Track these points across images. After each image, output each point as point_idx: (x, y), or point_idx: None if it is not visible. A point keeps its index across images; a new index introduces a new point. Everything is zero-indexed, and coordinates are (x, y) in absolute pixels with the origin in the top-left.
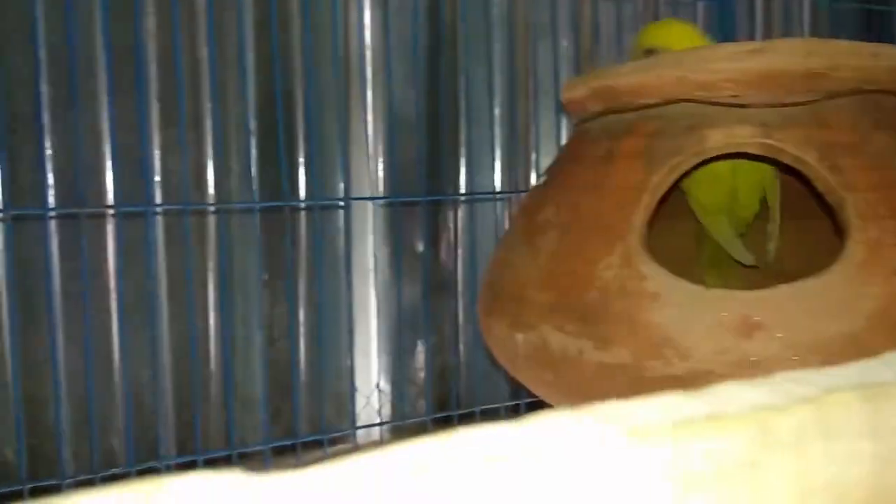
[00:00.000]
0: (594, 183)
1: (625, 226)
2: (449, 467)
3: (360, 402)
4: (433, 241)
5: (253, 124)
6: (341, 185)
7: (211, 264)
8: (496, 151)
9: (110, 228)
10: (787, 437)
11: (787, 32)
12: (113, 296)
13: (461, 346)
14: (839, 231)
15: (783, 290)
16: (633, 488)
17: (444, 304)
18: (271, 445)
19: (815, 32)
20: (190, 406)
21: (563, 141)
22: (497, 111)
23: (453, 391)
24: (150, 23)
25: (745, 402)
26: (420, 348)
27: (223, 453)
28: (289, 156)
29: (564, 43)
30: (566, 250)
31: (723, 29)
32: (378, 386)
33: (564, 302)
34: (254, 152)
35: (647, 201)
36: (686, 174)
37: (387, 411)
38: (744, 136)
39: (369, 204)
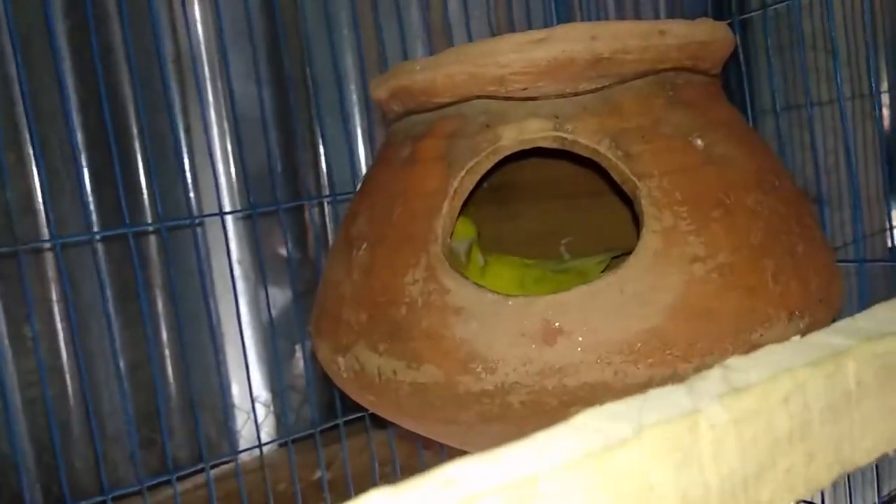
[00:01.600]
0: (399, 190)
1: (428, 235)
2: None
3: (240, 417)
4: (299, 242)
5: (81, 143)
6: (190, 201)
7: (54, 296)
8: (357, 143)
9: None
10: None
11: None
12: None
13: None
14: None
15: (582, 292)
16: None
17: None
18: (147, 484)
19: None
20: (51, 449)
21: None
22: (354, 98)
23: (336, 394)
24: None
25: None
26: (298, 354)
27: (98, 499)
28: (127, 175)
29: (414, 21)
30: (376, 264)
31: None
32: (258, 398)
33: (376, 320)
34: (87, 175)
35: (449, 208)
36: (489, 174)
37: (270, 422)
38: (535, 130)
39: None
